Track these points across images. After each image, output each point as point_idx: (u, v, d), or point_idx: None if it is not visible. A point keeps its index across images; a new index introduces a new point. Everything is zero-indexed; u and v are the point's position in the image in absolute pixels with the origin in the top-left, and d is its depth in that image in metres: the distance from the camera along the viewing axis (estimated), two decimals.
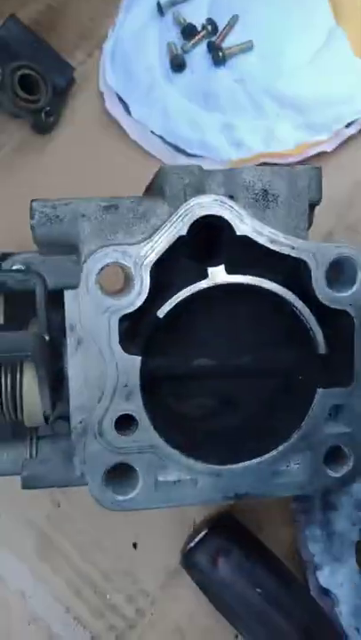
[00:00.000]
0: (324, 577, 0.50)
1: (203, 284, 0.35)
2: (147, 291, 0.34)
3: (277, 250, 0.35)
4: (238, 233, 0.35)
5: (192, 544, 0.49)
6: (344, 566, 0.50)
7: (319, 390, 0.37)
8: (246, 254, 0.36)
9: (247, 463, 0.37)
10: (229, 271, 0.35)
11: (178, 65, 0.64)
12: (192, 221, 0.34)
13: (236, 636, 0.53)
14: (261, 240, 0.35)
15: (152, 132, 0.64)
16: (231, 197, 0.35)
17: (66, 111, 0.64)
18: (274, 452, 0.37)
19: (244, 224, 0.35)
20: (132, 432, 0.35)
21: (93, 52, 0.66)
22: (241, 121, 0.63)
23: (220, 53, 0.63)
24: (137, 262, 0.33)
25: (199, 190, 0.35)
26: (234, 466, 0.37)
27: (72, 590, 0.55)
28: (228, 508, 0.54)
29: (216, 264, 0.35)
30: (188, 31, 0.64)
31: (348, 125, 0.62)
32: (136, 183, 0.42)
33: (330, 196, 0.62)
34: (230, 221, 0.34)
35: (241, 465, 0.37)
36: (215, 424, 0.42)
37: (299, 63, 0.62)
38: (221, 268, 0.35)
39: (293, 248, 0.36)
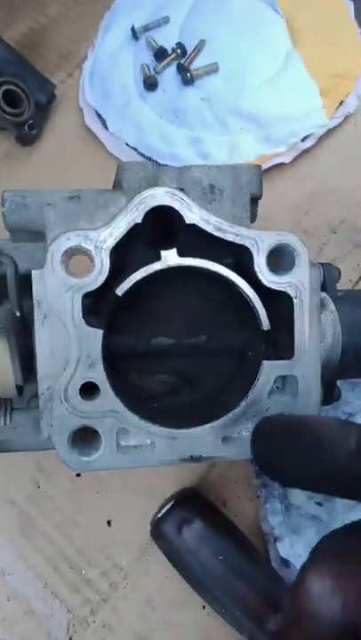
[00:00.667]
0: (284, 548, 0.54)
1: (157, 266, 0.40)
2: (106, 271, 0.38)
3: (223, 237, 0.40)
4: (187, 221, 0.39)
5: (159, 515, 0.52)
6: (302, 538, 0.54)
7: (264, 362, 0.42)
8: (197, 241, 0.40)
9: (200, 428, 0.41)
10: (181, 255, 0.40)
11: (150, 84, 0.70)
12: (146, 210, 0.39)
13: (204, 607, 0.56)
14: (208, 228, 0.40)
15: (127, 144, 0.70)
16: (182, 190, 0.40)
17: (48, 125, 0.70)
18: (224, 419, 0.42)
19: (193, 213, 0.40)
20: (95, 398, 0.39)
21: (74, 72, 0.72)
22: (207, 135, 0.69)
23: (189, 74, 0.69)
24: (97, 246, 0.38)
25: (153, 184, 0.40)
26: (188, 430, 0.41)
27: (50, 567, 0.58)
28: (195, 484, 0.58)
29: (169, 248, 0.40)
30: (160, 54, 0.70)
31: (303, 139, 0.68)
32: None
33: (288, 204, 0.68)
34: (180, 211, 0.39)
35: (195, 429, 0.41)
36: (175, 400, 0.46)
37: (259, 83, 0.68)
38: (173, 251, 0.40)
39: (237, 235, 0.40)
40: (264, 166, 0.67)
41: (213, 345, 0.46)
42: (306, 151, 0.68)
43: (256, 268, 0.41)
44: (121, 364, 0.45)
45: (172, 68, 0.70)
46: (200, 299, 0.45)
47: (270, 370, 0.42)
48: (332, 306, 0.46)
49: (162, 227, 0.40)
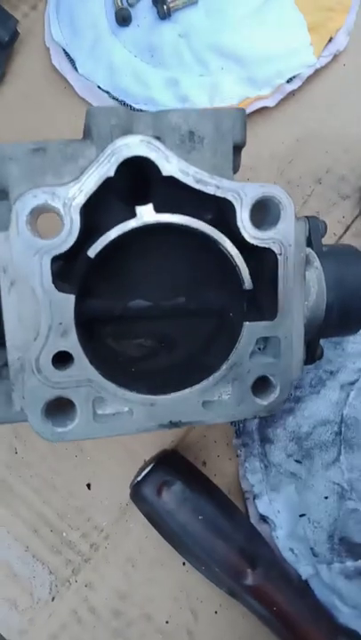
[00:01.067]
0: (263, 505, 0.54)
1: (132, 224, 0.36)
2: (77, 231, 0.35)
3: (203, 189, 0.37)
4: (164, 173, 0.36)
5: (139, 478, 0.52)
6: (281, 495, 0.54)
7: (246, 323, 0.39)
8: (175, 195, 0.37)
9: (179, 393, 0.39)
10: (158, 211, 0.37)
11: (123, 18, 0.64)
12: (119, 162, 0.35)
13: (184, 564, 0.57)
14: (187, 180, 0.36)
15: (99, 87, 0.64)
16: (158, 139, 0.36)
17: (12, 66, 0.64)
18: (204, 382, 0.40)
19: (170, 164, 0.36)
20: (69, 367, 0.37)
21: (37, 4, 0.65)
22: (185, 76, 0.63)
23: (165, 7, 0.63)
24: (66, 203, 0.35)
25: (127, 132, 0.36)
26: (167, 396, 0.39)
27: (30, 531, 0.57)
28: (174, 445, 0.57)
29: (144, 203, 0.37)
30: None
31: (289, 81, 0.63)
32: None
33: (272, 152, 0.64)
34: (156, 162, 0.36)
35: (174, 395, 0.39)
36: (154, 364, 0.44)
37: (242, 16, 0.62)
38: (150, 207, 0.37)
39: (218, 187, 0.37)
40: (247, 110, 0.63)
41: (193, 306, 0.43)
42: (291, 94, 0.63)
43: (239, 224, 0.38)
44: (97, 328, 0.43)
45: (147, 1, 0.64)
46: (178, 258, 0.42)
47: (252, 331, 0.40)
48: (317, 262, 0.43)
49: (137, 180, 0.37)
